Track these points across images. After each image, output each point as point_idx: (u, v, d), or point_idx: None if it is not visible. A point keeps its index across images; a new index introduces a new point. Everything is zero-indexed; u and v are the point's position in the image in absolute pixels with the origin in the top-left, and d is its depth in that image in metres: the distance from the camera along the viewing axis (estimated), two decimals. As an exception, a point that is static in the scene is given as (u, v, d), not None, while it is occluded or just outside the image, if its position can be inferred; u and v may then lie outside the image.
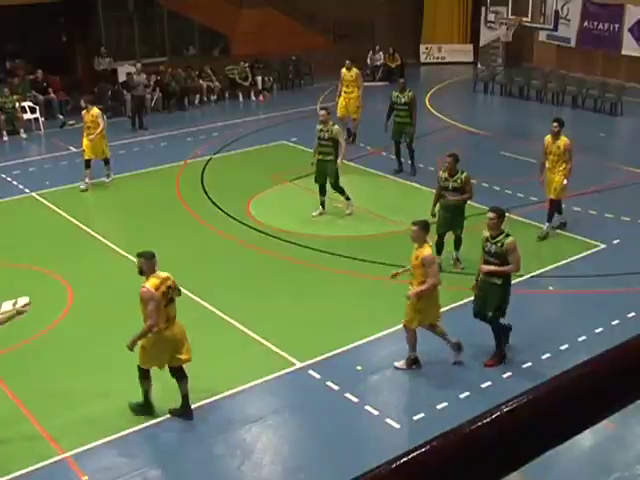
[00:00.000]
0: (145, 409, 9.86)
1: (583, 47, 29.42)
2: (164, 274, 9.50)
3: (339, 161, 15.94)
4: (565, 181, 14.77)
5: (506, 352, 11.04)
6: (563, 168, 14.77)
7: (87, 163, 18.25)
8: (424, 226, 10.50)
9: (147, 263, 9.40)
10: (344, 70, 21.60)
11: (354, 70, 21.45)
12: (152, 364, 9.64)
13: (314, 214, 16.39)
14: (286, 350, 11.36)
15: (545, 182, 15.15)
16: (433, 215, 13.47)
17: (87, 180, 18.23)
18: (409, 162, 19.03)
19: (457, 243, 13.79)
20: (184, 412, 9.80)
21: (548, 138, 15.06)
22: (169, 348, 9.48)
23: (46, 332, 12.14)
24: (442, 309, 10.98)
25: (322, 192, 16.38)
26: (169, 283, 9.49)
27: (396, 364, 10.95)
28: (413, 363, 10.94)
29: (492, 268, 10.55)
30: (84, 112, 18.45)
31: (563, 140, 14.85)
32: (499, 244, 10.47)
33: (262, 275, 13.87)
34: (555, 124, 14.92)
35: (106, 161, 18.57)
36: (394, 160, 19.31)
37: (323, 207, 16.48)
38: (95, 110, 18.33)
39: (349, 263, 14.27)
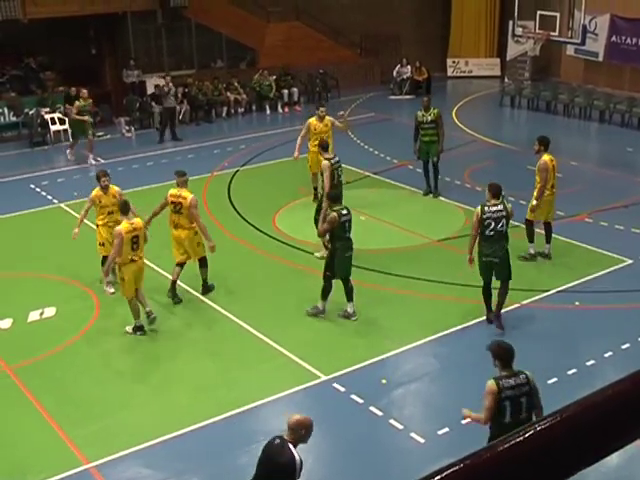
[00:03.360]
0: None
1: (611, 61, 29.26)
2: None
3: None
4: (534, 202, 14.37)
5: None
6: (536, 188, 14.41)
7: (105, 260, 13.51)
8: (122, 205, 12.47)
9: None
10: (313, 120, 17.79)
11: (328, 119, 17.78)
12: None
13: (317, 255, 14.94)
14: (311, 363, 11.37)
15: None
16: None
17: (108, 279, 13.79)
18: (432, 182, 18.44)
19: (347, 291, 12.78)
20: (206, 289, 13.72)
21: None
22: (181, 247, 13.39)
23: (72, 342, 12.23)
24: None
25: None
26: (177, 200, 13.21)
27: (127, 328, 12.40)
28: (138, 330, 12.31)
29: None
30: (98, 192, 13.67)
31: (542, 159, 14.34)
32: None
33: (288, 288, 13.89)
34: (535, 142, 14.52)
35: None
36: (422, 178, 18.92)
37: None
38: (115, 188, 13.89)
39: (374, 276, 14.25)
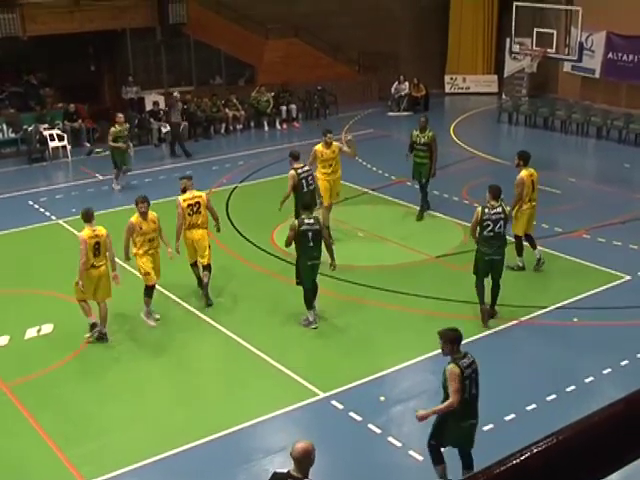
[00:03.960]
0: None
1: (607, 78, 29.36)
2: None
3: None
4: (512, 213, 14.48)
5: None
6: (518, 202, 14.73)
7: (150, 291, 13.20)
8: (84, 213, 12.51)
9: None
10: (319, 147, 16.68)
11: (335, 145, 16.68)
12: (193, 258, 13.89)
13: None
14: (309, 380, 11.33)
15: None
16: None
17: (153, 319, 13.34)
18: (420, 203, 18.19)
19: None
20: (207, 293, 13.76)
21: None
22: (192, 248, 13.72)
23: (69, 360, 12.19)
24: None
25: None
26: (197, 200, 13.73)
27: (86, 335, 12.56)
28: (93, 327, 12.51)
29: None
30: (137, 219, 12.91)
31: (519, 174, 14.71)
32: None
33: (286, 304, 13.85)
34: (515, 157, 15.03)
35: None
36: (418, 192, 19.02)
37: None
38: (154, 214, 13.17)
39: (372, 292, 14.24)
